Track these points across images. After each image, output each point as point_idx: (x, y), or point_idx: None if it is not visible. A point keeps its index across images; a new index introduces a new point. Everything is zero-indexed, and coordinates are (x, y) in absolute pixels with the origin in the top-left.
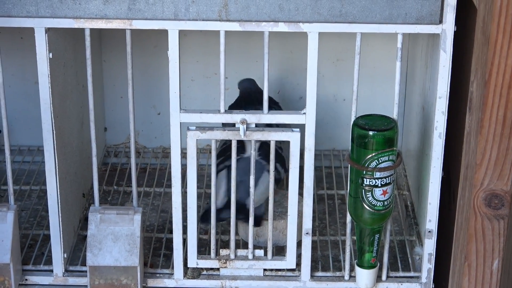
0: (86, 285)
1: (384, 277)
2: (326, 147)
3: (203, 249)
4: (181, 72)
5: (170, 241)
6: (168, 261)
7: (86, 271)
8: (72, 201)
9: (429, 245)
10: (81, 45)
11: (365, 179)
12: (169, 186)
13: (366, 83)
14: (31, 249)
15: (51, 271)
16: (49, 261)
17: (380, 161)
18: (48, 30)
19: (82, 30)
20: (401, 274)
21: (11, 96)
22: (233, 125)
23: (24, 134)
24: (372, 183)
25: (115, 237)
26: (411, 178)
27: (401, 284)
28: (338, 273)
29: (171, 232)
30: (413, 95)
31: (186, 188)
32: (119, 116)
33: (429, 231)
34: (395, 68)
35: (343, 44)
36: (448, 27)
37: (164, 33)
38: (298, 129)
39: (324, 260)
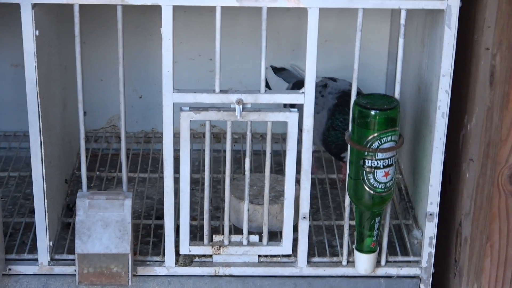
0: (73, 274)
1: (383, 262)
2: None
3: (191, 236)
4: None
5: (157, 228)
6: (156, 248)
7: (72, 260)
8: (55, 187)
9: (430, 229)
10: (65, 24)
11: (366, 161)
12: (153, 171)
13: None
14: (12, 238)
15: (36, 260)
16: (32, 250)
17: (383, 142)
18: (34, 6)
19: (69, 7)
20: (400, 258)
21: None
22: None
23: None
24: (374, 164)
25: (105, 224)
26: (404, 161)
27: (401, 269)
28: (335, 259)
29: (157, 218)
30: (405, 76)
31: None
32: (99, 100)
33: (430, 214)
34: (376, 48)
35: (331, 24)
36: (453, 3)
37: (146, 13)
38: (296, 109)
39: (319, 245)
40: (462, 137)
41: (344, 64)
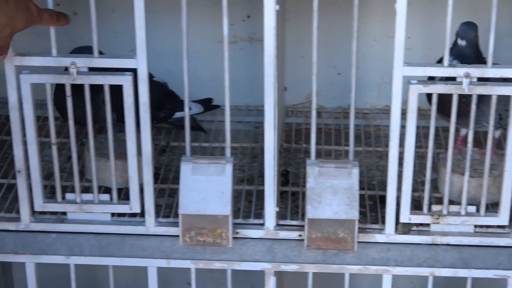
0: (297, 239)
1: None
2: None
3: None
4: (363, 32)
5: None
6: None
7: (296, 225)
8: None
9: None
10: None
11: None
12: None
13: None
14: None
15: (261, 224)
16: (257, 215)
17: None
18: None
19: None
20: None
21: (194, 54)
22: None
23: None
24: None
25: (334, 191)
26: None
27: None
28: None
29: None
30: None
31: None
32: (299, 76)
33: None
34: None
35: None
36: None
37: None
38: None
39: None
40: None
41: None
